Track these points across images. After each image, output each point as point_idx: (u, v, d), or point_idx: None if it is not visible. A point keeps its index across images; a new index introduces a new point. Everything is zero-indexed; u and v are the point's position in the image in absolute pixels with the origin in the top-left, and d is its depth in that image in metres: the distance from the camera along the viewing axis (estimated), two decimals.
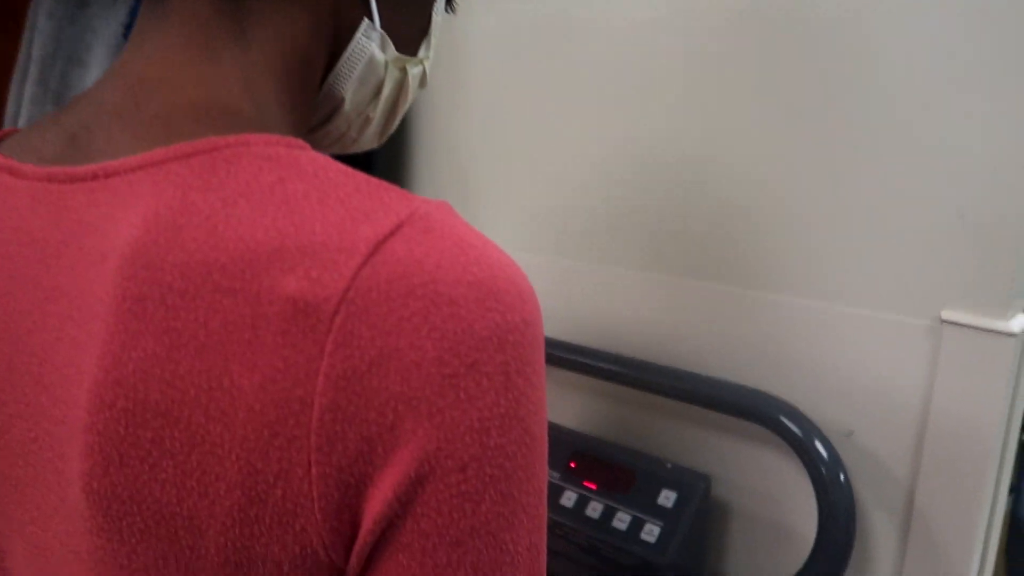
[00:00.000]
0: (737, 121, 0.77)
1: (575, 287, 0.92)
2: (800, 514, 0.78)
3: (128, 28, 0.90)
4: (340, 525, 0.30)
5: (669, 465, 0.81)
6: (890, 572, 0.73)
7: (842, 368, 0.73)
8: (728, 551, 0.83)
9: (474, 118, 1.00)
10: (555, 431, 0.89)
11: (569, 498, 0.83)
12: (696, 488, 0.78)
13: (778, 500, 0.79)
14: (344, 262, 0.29)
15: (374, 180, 0.33)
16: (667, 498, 0.78)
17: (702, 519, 0.79)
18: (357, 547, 0.30)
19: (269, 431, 0.29)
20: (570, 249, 0.92)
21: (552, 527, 0.83)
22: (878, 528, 0.74)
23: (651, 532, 0.77)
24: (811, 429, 0.72)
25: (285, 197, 0.31)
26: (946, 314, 0.66)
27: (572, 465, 0.85)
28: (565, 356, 0.89)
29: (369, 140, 0.50)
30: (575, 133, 0.89)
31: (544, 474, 0.33)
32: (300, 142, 0.34)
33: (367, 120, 0.47)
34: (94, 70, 0.90)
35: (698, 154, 0.80)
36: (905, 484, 0.71)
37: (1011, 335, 0.63)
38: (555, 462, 0.87)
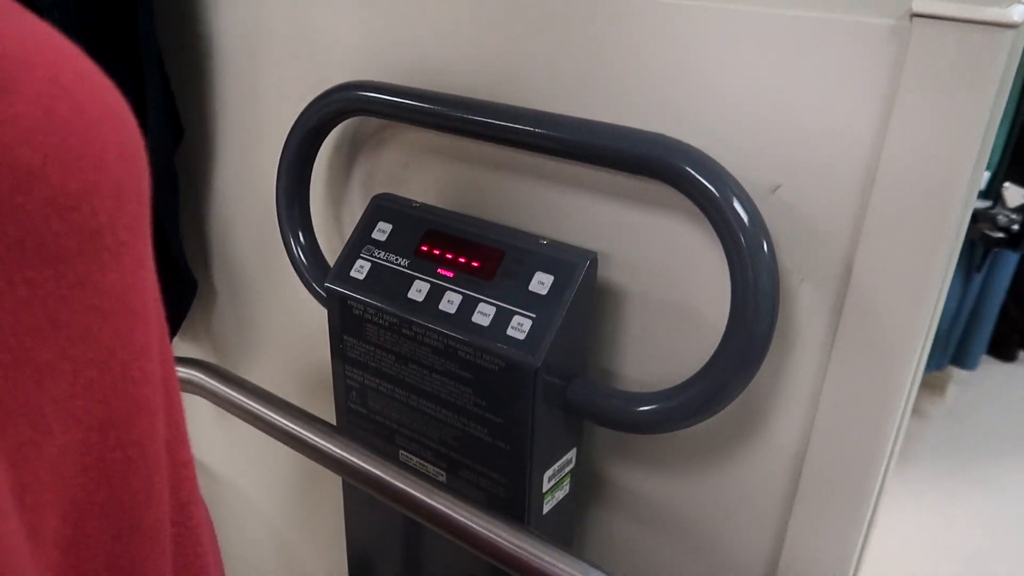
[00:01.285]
0: None
1: (390, 9, 0.68)
2: (710, 296, 0.61)
3: None
4: None
5: (544, 241, 0.62)
6: (816, 363, 0.58)
7: (766, 97, 0.54)
8: (618, 346, 0.67)
9: None
10: (399, 207, 0.69)
11: (419, 290, 0.65)
12: (577, 268, 0.60)
13: (682, 280, 0.62)
14: None
15: None
16: (541, 283, 0.60)
17: (585, 308, 0.62)
18: None
19: None
20: None
21: (399, 327, 0.65)
22: (803, 310, 0.58)
23: (520, 326, 0.60)
24: (726, 183, 0.54)
25: None
26: (919, 5, 0.46)
27: (423, 248, 0.66)
28: (399, 103, 0.67)
29: None
30: None
31: None
32: None
33: None
34: None
35: None
36: (842, 251, 0.55)
37: (1011, 26, 0.44)
38: (401, 246, 0.67)
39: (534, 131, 0.61)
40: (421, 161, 0.74)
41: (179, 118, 0.91)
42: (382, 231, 0.69)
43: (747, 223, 0.53)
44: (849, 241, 0.54)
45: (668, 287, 0.63)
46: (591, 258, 0.60)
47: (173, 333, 1.01)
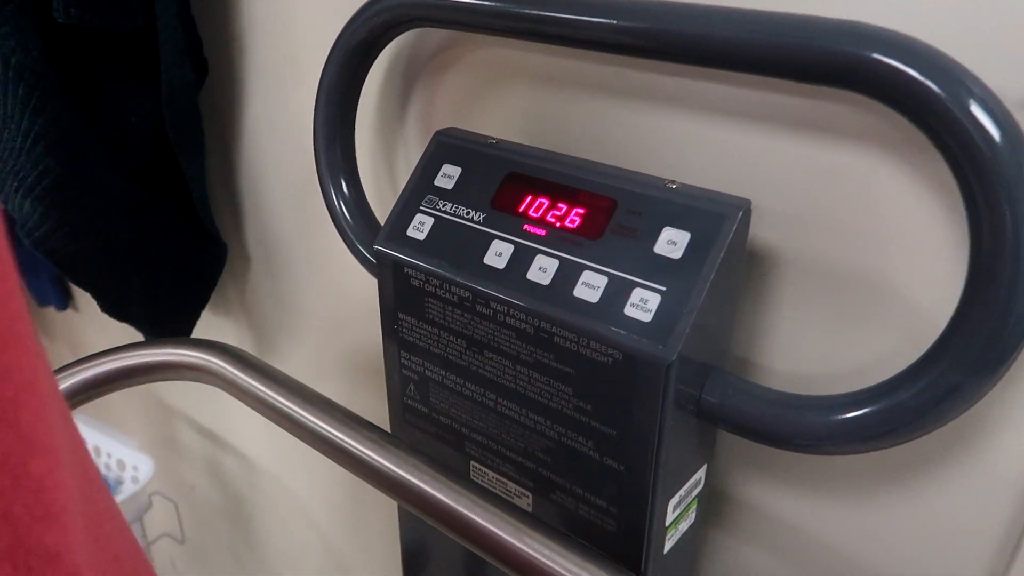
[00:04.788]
0: None
1: None
2: (919, 261, 0.43)
3: None
4: None
5: (673, 185, 0.45)
6: None
7: None
8: (767, 331, 0.50)
9: None
10: (470, 145, 0.53)
11: (499, 252, 0.48)
12: (725, 222, 0.42)
13: (872, 237, 0.44)
14: None
15: None
16: (672, 242, 0.43)
17: (734, 278, 0.44)
18: None
19: None
20: None
21: (472, 302, 0.49)
22: None
23: (644, 303, 0.42)
24: (966, 84, 0.35)
25: None
26: None
27: (504, 198, 0.49)
28: (469, 6, 0.49)
29: None
30: None
31: None
32: None
33: None
34: None
35: None
36: None
37: None
38: (474, 195, 0.50)
39: (656, 29, 0.43)
40: (498, 85, 0.57)
41: (201, 49, 0.76)
42: (448, 176, 0.52)
43: (1000, 144, 0.35)
44: None
45: (848, 249, 0.45)
46: (744, 208, 0.42)
47: (202, 306, 0.87)
